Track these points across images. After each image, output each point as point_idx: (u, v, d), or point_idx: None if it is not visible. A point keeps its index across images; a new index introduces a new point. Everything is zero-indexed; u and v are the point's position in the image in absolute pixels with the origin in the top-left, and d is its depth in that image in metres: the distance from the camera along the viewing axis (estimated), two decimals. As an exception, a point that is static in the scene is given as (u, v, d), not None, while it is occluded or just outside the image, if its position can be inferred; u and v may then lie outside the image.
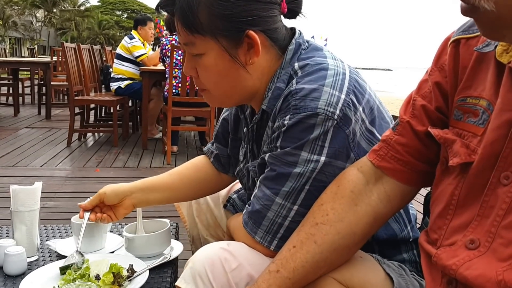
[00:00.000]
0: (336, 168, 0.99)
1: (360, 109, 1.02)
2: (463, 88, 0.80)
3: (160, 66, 5.61)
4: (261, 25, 1.05)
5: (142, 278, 1.11)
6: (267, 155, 1.04)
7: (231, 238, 1.21)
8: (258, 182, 1.06)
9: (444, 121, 0.84)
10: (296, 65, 1.07)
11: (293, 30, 1.15)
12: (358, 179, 0.92)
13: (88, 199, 1.30)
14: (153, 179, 1.34)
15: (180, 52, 4.64)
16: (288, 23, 1.15)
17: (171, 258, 1.25)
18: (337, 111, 0.98)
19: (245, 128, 1.24)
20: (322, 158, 0.98)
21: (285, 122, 1.00)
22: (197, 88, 4.76)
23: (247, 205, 1.08)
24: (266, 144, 1.09)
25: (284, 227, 1.01)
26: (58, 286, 1.08)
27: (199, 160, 1.42)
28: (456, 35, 0.83)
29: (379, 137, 1.04)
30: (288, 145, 1.00)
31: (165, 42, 4.93)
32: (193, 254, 1.50)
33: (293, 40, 1.11)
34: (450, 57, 0.83)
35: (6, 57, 10.34)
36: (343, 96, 1.00)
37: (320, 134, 0.98)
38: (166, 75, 4.73)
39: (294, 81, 1.04)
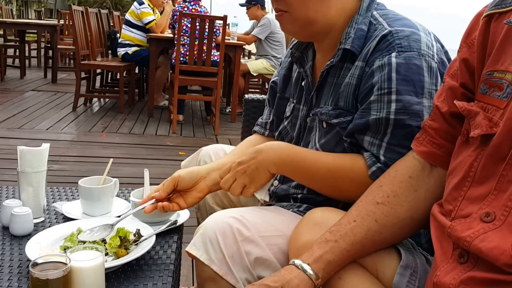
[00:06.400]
0: None
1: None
2: (491, 62, 0.78)
3: (168, 33, 5.55)
4: None
5: (149, 243, 1.11)
6: (392, 114, 1.01)
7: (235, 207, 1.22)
8: (384, 144, 1.03)
9: (469, 96, 0.84)
10: (375, 13, 1.12)
11: None
12: (415, 165, 0.93)
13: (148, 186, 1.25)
14: (221, 161, 1.30)
15: (189, 19, 4.59)
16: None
17: (177, 224, 1.25)
18: (435, 55, 1.04)
19: (303, 81, 1.23)
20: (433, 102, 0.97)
21: (392, 59, 1.02)
22: (204, 57, 4.73)
23: (376, 161, 1.03)
24: (366, 91, 1.05)
25: None
26: (66, 248, 1.08)
27: (251, 139, 1.43)
28: (489, 10, 0.81)
29: None
30: (408, 93, 1.01)
31: (177, 8, 4.86)
32: (198, 221, 1.51)
33: None
34: (480, 32, 0.81)
35: (13, 18, 10.24)
36: (435, 43, 1.06)
37: (432, 78, 1.02)
38: (175, 41, 4.69)
39: (385, 24, 1.07)
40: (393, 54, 1.02)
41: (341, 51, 1.10)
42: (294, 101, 1.27)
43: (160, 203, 1.19)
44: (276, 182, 1.28)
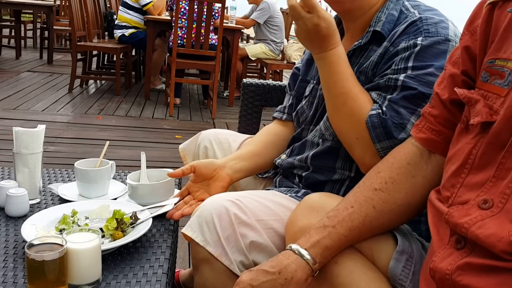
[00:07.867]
0: None
1: None
2: (493, 50, 0.78)
3: (166, 16, 5.50)
4: None
5: (145, 226, 1.11)
6: (402, 76, 1.05)
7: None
8: (386, 101, 1.06)
9: (470, 84, 0.84)
10: (407, 3, 1.16)
11: None
12: (413, 152, 0.93)
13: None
14: (238, 152, 1.35)
15: (187, 2, 4.54)
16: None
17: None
18: None
19: None
20: (433, 89, 0.97)
21: (418, 42, 1.05)
22: (202, 40, 4.69)
23: (378, 109, 1.05)
24: (386, 67, 1.09)
25: None
26: (62, 230, 1.08)
27: (269, 127, 1.44)
28: None
29: None
30: (424, 67, 1.03)
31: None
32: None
33: None
34: (483, 20, 0.81)
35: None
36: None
37: None
38: (173, 24, 4.64)
39: (416, 12, 1.11)
40: (420, 38, 1.05)
41: (371, 33, 1.14)
42: (314, 82, 1.29)
43: (184, 210, 1.20)
44: (284, 156, 1.32)
